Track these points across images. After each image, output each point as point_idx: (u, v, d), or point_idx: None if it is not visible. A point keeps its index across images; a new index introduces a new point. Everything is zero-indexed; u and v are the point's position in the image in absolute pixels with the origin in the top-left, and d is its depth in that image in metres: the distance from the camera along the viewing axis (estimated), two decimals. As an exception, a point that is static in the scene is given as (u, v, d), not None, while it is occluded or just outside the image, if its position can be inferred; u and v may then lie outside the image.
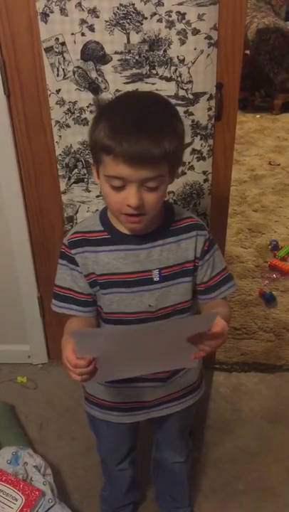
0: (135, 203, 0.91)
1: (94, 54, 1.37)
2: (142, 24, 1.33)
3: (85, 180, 1.57)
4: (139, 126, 0.87)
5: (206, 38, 1.34)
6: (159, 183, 0.92)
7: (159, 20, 1.32)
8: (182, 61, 1.37)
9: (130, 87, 1.40)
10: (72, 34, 1.35)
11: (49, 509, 1.41)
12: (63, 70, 1.40)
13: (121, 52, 1.36)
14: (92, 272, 1.04)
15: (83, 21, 1.33)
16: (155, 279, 1.04)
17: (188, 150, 1.49)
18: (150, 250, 1.03)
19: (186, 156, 1.50)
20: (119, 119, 0.89)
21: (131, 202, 0.91)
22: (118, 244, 1.03)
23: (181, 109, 1.42)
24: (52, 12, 1.33)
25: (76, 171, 1.56)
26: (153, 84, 1.40)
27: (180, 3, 1.30)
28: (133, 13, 1.31)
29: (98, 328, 1.08)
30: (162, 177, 0.92)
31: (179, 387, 1.20)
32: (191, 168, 1.53)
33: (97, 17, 1.32)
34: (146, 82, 1.40)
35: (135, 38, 1.34)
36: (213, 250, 1.09)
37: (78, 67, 1.40)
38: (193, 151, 1.50)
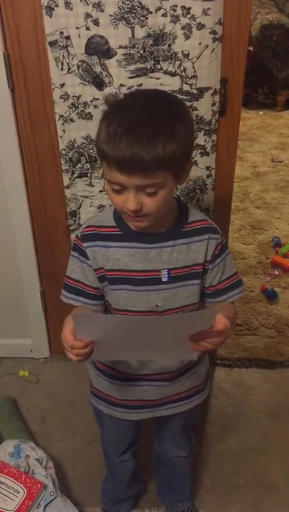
0: (132, 207, 0.91)
1: (98, 48, 1.37)
2: (146, 18, 1.32)
3: (89, 174, 1.57)
4: (131, 132, 0.85)
5: (210, 32, 1.34)
6: (158, 188, 0.90)
7: (164, 15, 1.32)
8: (187, 56, 1.37)
9: (134, 82, 1.40)
10: (77, 28, 1.35)
11: (51, 502, 1.42)
12: (68, 64, 1.40)
13: (125, 47, 1.36)
14: (102, 266, 1.04)
15: (88, 15, 1.33)
16: (163, 279, 1.04)
17: (192, 145, 1.49)
18: (160, 250, 1.03)
19: (190, 151, 1.50)
20: (115, 124, 0.87)
21: (128, 206, 0.91)
22: (129, 242, 1.03)
23: (185, 104, 1.42)
24: (57, 6, 1.33)
25: (80, 165, 1.56)
26: (157, 78, 1.40)
27: (185, -2, 1.30)
28: (138, 7, 1.31)
29: (100, 314, 1.08)
30: (160, 184, 0.90)
31: (185, 388, 1.20)
32: (195, 163, 1.53)
33: (102, 11, 1.32)
34: (151, 77, 1.40)
35: (140, 33, 1.34)
36: (224, 255, 1.08)
37: (82, 61, 1.40)
38: (197, 146, 1.50)
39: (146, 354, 1.05)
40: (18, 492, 1.40)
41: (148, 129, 0.86)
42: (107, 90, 1.42)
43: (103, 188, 1.58)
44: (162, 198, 0.92)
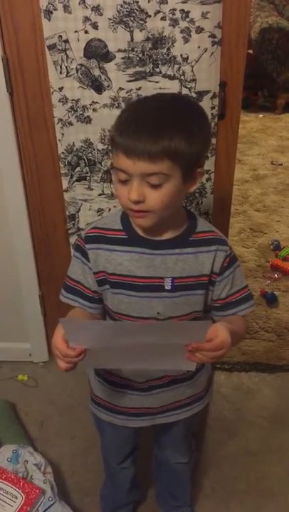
0: (134, 196, 0.89)
1: (97, 52, 1.37)
2: (145, 22, 1.32)
3: (88, 178, 1.57)
4: (141, 120, 0.87)
5: (209, 36, 1.34)
6: (162, 180, 0.89)
7: (163, 18, 1.32)
8: (186, 59, 1.37)
9: (133, 85, 1.40)
10: (76, 31, 1.35)
11: (49, 507, 1.41)
12: (66, 67, 1.40)
13: (124, 50, 1.36)
14: (103, 270, 1.03)
15: (87, 19, 1.33)
16: (166, 287, 1.01)
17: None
18: (165, 257, 1.01)
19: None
20: (126, 113, 0.91)
21: (131, 195, 0.90)
22: (134, 246, 1.01)
23: (184, 108, 1.41)
24: (55, 9, 1.33)
25: (78, 169, 1.55)
26: (156, 82, 1.40)
27: (184, 1, 1.30)
28: (137, 10, 1.31)
29: (87, 320, 1.05)
30: (164, 174, 0.88)
31: (186, 395, 1.19)
32: (194, 166, 1.52)
33: (101, 14, 1.32)
34: (150, 81, 1.40)
35: (139, 36, 1.34)
36: (233, 267, 1.06)
37: (81, 64, 1.39)
38: (196, 149, 1.50)
39: (140, 362, 1.02)
40: (16, 497, 1.39)
41: (157, 121, 0.87)
42: (106, 94, 1.42)
43: (102, 191, 1.58)
44: (166, 192, 0.90)
